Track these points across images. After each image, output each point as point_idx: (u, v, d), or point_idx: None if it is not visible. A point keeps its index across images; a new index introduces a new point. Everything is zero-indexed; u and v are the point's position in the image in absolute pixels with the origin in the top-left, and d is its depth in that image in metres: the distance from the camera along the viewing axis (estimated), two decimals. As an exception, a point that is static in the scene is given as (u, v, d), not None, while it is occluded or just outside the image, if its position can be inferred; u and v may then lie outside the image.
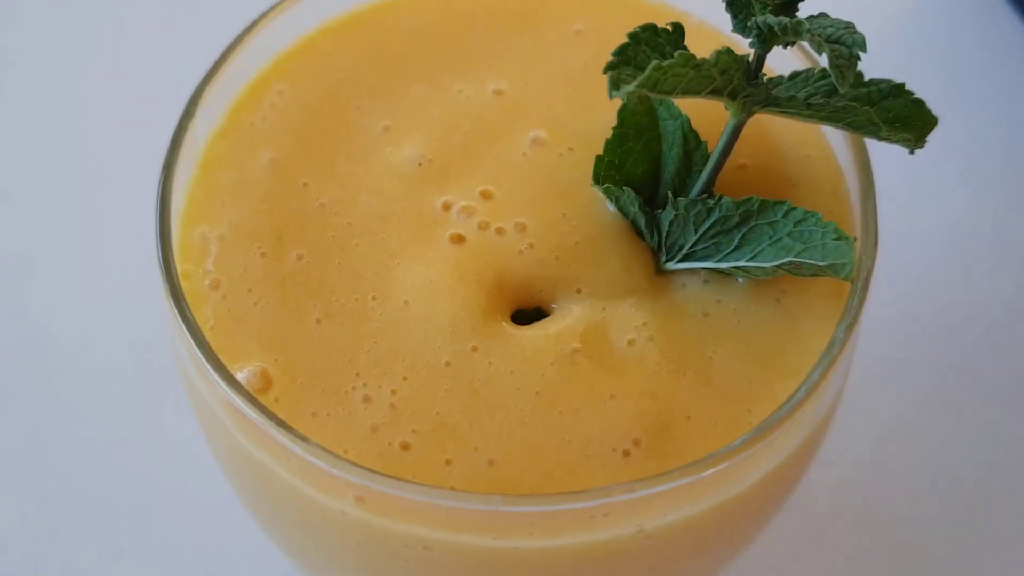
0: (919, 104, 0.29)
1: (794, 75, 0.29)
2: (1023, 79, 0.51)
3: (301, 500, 0.28)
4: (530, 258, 0.31)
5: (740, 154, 0.32)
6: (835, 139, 0.33)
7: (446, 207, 0.32)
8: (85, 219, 0.47)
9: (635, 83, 0.26)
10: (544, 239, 0.31)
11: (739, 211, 0.29)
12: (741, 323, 0.30)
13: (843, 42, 0.27)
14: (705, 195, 0.30)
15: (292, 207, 0.32)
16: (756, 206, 0.29)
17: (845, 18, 0.29)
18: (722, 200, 0.30)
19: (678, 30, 0.28)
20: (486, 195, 0.32)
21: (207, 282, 0.31)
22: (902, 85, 0.29)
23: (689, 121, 0.31)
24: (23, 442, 0.43)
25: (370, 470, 0.27)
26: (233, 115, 0.34)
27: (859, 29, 0.28)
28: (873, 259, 0.30)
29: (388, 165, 0.32)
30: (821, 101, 0.29)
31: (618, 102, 0.31)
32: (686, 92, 0.28)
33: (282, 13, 0.34)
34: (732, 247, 0.30)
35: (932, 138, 0.30)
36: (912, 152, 0.29)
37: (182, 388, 0.35)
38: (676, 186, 0.31)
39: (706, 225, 0.30)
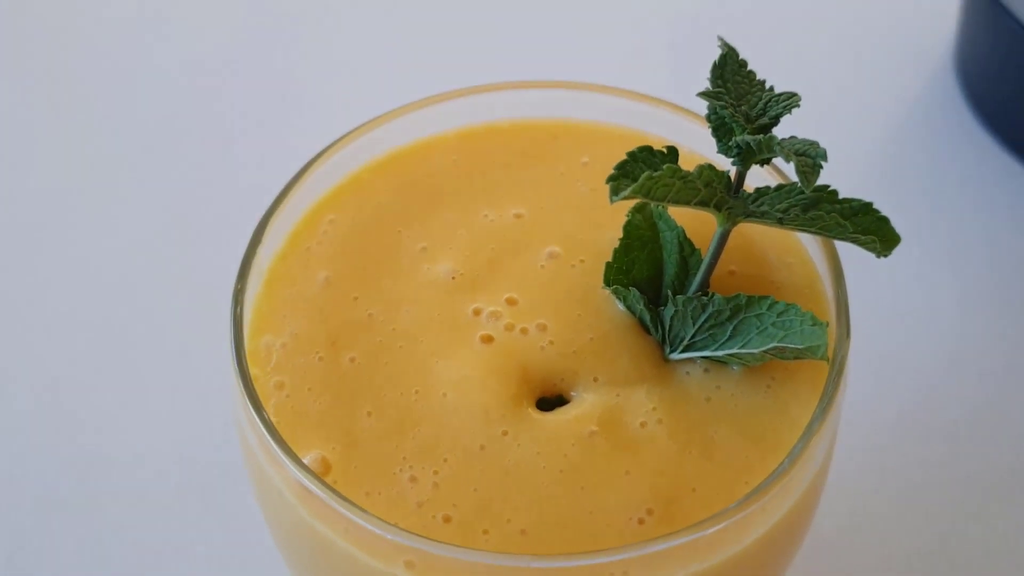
0: (884, 221, 0.34)
1: (779, 187, 0.35)
2: (998, 193, 0.56)
3: (357, 567, 0.32)
4: (551, 353, 0.35)
5: (730, 261, 0.37)
6: (812, 249, 0.38)
7: (476, 313, 0.37)
8: (141, 334, 0.51)
9: (630, 189, 0.32)
10: (563, 336, 0.36)
11: (729, 306, 0.34)
12: (738, 406, 0.34)
13: (808, 154, 0.32)
14: (700, 293, 0.35)
15: (344, 317, 0.37)
16: (744, 301, 0.34)
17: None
18: (714, 296, 0.34)
19: (672, 152, 0.34)
20: (511, 301, 0.37)
21: (272, 383, 0.36)
22: (870, 204, 0.34)
23: (684, 232, 0.36)
24: (82, 555, 0.46)
25: (419, 535, 0.31)
26: (292, 240, 0.39)
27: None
28: (847, 346, 0.34)
29: (426, 279, 0.38)
30: (796, 213, 0.34)
31: (622, 220, 0.37)
32: (676, 201, 0.33)
33: (334, 155, 0.40)
34: (726, 337, 0.34)
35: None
36: (879, 256, 0.34)
37: (241, 484, 0.39)
38: (675, 287, 0.36)
39: (702, 319, 0.34)
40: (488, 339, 0.36)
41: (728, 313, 0.34)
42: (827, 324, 0.33)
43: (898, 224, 0.35)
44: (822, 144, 0.33)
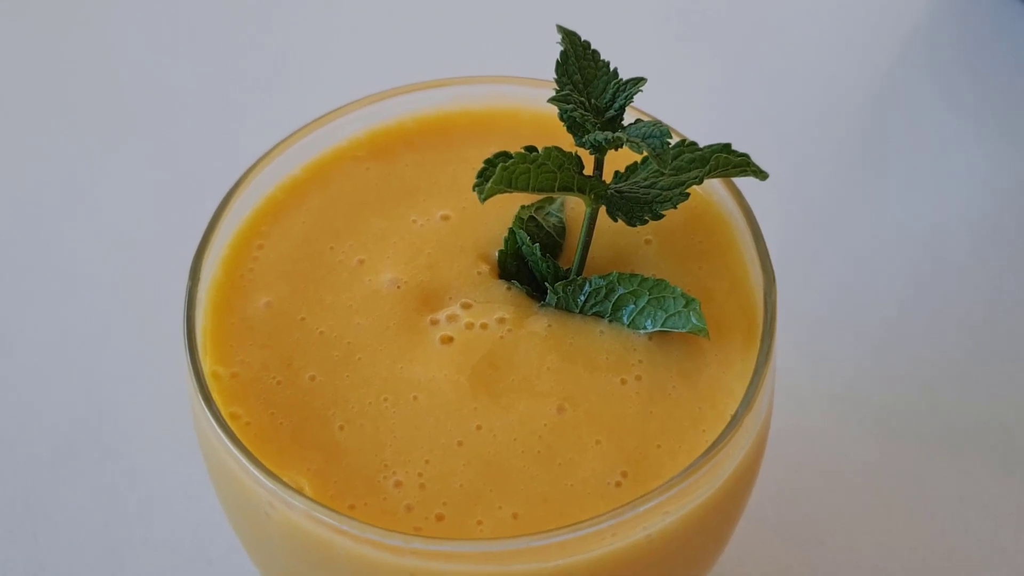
0: (746, 157, 0.37)
1: (629, 168, 0.37)
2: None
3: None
4: (509, 341, 0.37)
5: (645, 231, 0.39)
6: (729, 206, 0.40)
7: (433, 321, 0.37)
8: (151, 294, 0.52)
9: (490, 183, 0.34)
10: (520, 326, 0.37)
11: (605, 284, 0.37)
12: (687, 363, 0.37)
13: (655, 136, 0.35)
14: (576, 276, 0.37)
15: (294, 340, 0.37)
16: (616, 278, 0.37)
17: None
18: (590, 278, 0.37)
19: (529, 149, 0.35)
20: (465, 305, 0.38)
21: (226, 414, 0.36)
22: (728, 144, 0.37)
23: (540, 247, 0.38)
24: (96, 503, 0.47)
25: (422, 536, 0.32)
26: (226, 269, 0.39)
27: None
28: (774, 292, 0.37)
29: (370, 291, 0.38)
30: (656, 178, 0.36)
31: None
32: (540, 188, 0.35)
33: (251, 182, 0.40)
34: (608, 313, 0.37)
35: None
36: (760, 179, 0.36)
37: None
38: (551, 280, 0.38)
39: (582, 299, 0.37)
40: (449, 340, 0.37)
41: (604, 291, 0.37)
42: (698, 302, 0.36)
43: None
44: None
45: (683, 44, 0.62)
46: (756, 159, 0.37)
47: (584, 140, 0.36)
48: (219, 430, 0.34)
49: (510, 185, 0.34)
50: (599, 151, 0.36)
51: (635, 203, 0.37)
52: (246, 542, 0.37)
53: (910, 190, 0.58)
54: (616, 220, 0.37)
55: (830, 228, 0.56)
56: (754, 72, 0.61)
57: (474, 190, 0.35)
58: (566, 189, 0.36)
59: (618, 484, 0.34)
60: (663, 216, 0.37)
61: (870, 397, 0.52)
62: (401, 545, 0.32)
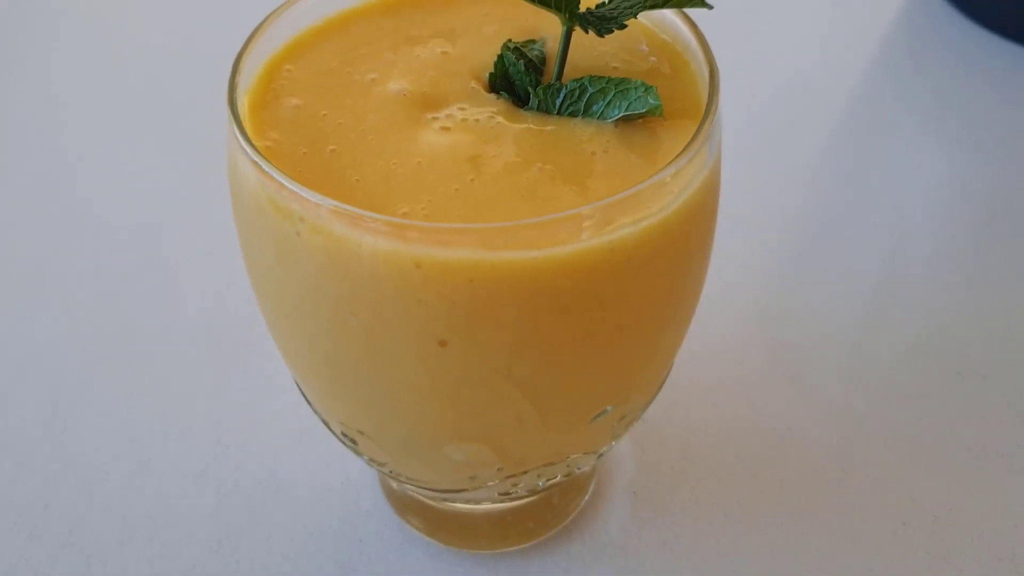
0: None
1: (599, 5, 0.45)
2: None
3: (371, 274, 0.39)
4: (501, 128, 0.44)
5: (614, 60, 0.47)
6: (686, 38, 0.48)
7: (434, 118, 0.45)
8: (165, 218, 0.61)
9: None
10: (508, 117, 0.45)
11: (578, 85, 0.44)
12: (648, 144, 0.44)
13: None
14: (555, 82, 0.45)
15: (318, 127, 0.45)
16: (588, 80, 0.44)
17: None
18: (566, 83, 0.44)
19: None
20: (461, 108, 0.45)
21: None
22: None
23: (524, 64, 0.46)
24: (120, 405, 0.52)
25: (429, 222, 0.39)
26: (259, 83, 0.46)
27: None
28: (716, 76, 0.44)
29: (381, 98, 0.46)
30: (621, 3, 0.44)
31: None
32: None
33: (279, 17, 0.48)
34: (581, 111, 0.44)
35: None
36: (707, 7, 0.44)
37: (262, 340, 0.46)
38: (533, 86, 0.45)
39: (559, 101, 0.44)
40: (446, 129, 0.44)
41: (578, 92, 0.44)
42: (655, 87, 0.43)
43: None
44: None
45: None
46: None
47: None
48: (257, 158, 0.41)
49: None
50: None
51: (603, 19, 0.45)
52: (273, 285, 0.43)
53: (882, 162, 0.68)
54: (587, 32, 0.45)
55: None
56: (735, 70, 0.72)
57: None
58: (544, 3, 0.44)
59: (590, 216, 0.41)
60: (626, 26, 0.45)
61: (840, 325, 0.60)
62: (414, 224, 0.38)
